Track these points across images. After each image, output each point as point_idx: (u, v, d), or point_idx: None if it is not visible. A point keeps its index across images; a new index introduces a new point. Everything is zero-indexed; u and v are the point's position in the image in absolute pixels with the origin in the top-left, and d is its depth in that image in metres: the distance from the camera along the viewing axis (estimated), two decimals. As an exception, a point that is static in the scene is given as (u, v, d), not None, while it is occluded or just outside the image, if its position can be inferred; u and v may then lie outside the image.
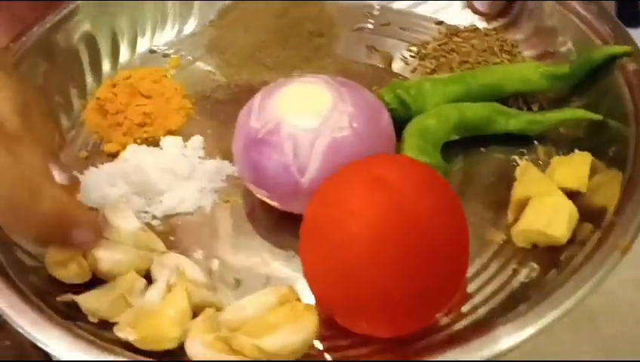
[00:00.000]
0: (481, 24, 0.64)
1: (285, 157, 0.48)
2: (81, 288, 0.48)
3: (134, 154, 0.55)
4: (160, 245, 0.50)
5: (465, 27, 0.64)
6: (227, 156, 0.55)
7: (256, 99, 0.50)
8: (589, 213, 0.49)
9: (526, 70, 0.56)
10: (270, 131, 0.48)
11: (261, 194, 0.50)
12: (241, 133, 0.50)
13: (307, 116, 0.48)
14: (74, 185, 0.47)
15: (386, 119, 0.51)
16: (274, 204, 0.50)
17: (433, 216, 0.42)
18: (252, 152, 0.49)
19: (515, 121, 0.55)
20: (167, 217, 0.53)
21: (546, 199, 0.48)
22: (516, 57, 0.60)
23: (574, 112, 0.54)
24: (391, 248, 0.41)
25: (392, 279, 0.41)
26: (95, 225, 0.47)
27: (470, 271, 0.48)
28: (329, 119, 0.48)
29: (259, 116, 0.49)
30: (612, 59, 0.55)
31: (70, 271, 0.48)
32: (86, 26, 0.63)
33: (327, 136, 0.48)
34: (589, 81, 0.55)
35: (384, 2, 0.66)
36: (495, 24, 0.63)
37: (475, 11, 0.65)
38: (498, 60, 0.60)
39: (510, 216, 0.51)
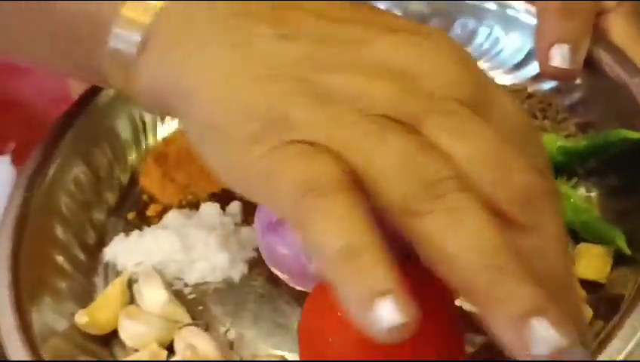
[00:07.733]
0: (532, 87, 0.61)
1: (295, 242, 0.49)
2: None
3: (174, 221, 0.58)
4: (185, 317, 0.53)
5: (512, 84, 0.61)
6: (263, 223, 0.57)
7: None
8: (606, 308, 0.48)
9: (547, 141, 0.54)
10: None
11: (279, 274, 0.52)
12: (259, 216, 0.52)
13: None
14: None
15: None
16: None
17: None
18: (267, 236, 0.50)
19: None
20: (198, 285, 0.56)
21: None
22: (560, 125, 0.58)
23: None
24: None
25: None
26: None
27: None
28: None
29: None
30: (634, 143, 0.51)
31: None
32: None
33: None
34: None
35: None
36: (546, 86, 0.61)
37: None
38: (537, 125, 0.58)
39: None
